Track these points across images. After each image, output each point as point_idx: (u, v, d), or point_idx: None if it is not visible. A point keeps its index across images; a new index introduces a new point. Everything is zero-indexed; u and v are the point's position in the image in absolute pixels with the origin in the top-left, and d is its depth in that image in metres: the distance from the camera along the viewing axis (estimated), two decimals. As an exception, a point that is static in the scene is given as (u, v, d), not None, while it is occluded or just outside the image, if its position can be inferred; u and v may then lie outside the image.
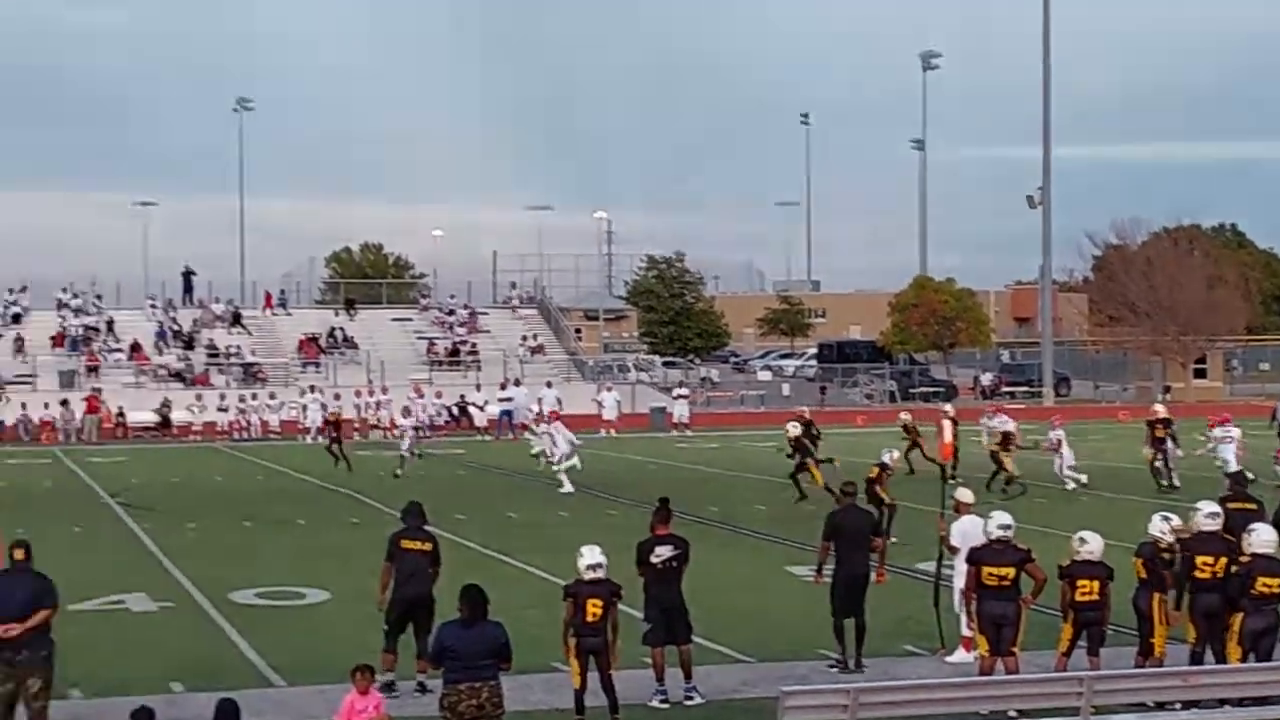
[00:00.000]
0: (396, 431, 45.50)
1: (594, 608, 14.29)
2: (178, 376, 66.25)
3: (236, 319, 72.82)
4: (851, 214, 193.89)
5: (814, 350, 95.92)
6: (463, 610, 12.58)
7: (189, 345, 69.75)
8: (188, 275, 76.64)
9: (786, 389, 76.98)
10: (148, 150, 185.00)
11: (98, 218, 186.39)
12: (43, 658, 13.28)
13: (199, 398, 59.66)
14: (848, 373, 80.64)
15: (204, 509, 32.93)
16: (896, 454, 29.17)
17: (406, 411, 45.74)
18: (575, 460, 36.61)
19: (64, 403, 57.92)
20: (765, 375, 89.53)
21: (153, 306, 73.88)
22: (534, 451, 40.74)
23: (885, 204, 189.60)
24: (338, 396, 58.26)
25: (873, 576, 17.21)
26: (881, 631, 17.68)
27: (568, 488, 35.58)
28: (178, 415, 58.82)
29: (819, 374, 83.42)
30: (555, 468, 36.75)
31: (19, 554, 13.61)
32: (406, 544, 16.15)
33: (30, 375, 64.65)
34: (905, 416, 40.25)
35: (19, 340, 67.92)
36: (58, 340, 68.53)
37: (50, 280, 76.07)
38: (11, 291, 73.29)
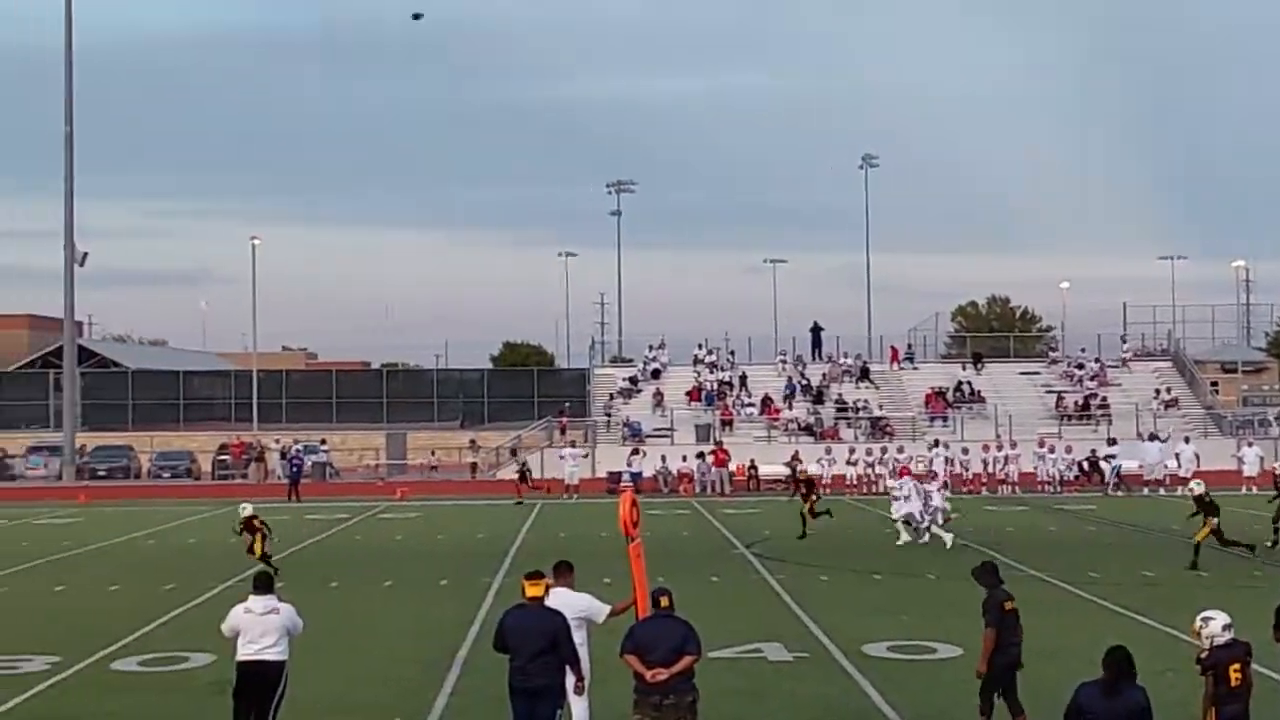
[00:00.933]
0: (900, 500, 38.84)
1: (1235, 673, 13.62)
2: (807, 430, 67.83)
3: (864, 373, 73.95)
4: None
5: None
6: (1107, 672, 12.16)
7: (818, 399, 71.31)
8: (816, 330, 78.41)
9: None
10: (777, 209, 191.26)
11: (730, 275, 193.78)
12: (689, 703, 13.73)
13: (828, 451, 60.70)
14: None
15: (834, 561, 33.48)
16: None
17: (933, 475, 42.68)
18: (919, 521, 37.04)
19: (699, 455, 60.12)
20: None
21: (783, 362, 75.98)
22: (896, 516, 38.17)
23: None
24: (965, 451, 58.31)
25: None
26: None
27: (947, 540, 36.07)
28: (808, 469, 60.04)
29: None
30: (935, 528, 36.78)
31: (663, 601, 14.13)
32: (1009, 606, 15.93)
33: (668, 428, 67.59)
34: None
35: (658, 395, 71.17)
36: (693, 395, 71.37)
37: (687, 336, 79.59)
38: (651, 348, 77.03)
